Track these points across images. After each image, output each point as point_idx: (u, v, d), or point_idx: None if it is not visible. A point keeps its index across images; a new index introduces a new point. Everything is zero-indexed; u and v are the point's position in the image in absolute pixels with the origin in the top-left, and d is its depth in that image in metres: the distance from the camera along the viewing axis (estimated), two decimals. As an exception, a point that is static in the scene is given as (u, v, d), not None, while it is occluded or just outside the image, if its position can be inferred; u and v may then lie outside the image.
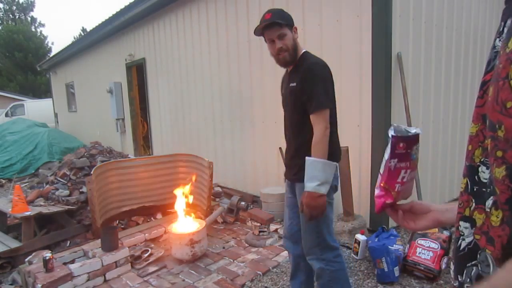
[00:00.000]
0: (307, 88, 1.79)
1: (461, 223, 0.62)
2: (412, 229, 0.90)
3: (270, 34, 1.83)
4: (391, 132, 0.91)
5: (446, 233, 2.69)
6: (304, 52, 1.91)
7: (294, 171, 1.93)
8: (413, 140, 0.96)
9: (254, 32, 1.89)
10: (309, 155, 1.78)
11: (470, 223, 0.60)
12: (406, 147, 0.94)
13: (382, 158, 0.93)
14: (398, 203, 0.90)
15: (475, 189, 0.59)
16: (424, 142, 3.63)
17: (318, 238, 1.87)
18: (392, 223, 3.32)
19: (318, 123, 1.76)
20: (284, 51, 1.83)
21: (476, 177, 0.59)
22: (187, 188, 3.38)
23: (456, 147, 4.13)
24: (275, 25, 1.79)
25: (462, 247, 0.61)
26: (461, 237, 0.62)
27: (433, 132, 3.76)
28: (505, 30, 0.56)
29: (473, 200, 0.59)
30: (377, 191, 0.89)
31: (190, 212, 3.48)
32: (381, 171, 0.91)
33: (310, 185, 1.71)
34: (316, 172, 1.71)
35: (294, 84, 1.85)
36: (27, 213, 3.52)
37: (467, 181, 0.61)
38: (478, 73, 4.33)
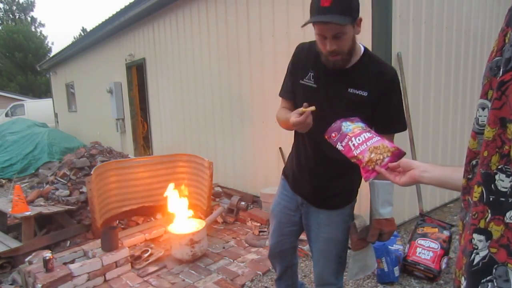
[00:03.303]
0: (391, 105, 1.46)
1: (475, 235, 0.57)
2: (396, 183, 1.01)
3: (322, 30, 1.33)
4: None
5: (446, 233, 2.69)
6: (365, 49, 1.48)
7: (322, 194, 1.64)
8: (336, 127, 1.26)
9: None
10: (347, 175, 1.59)
11: (485, 236, 0.56)
12: (337, 133, 1.24)
13: None
14: (383, 163, 1.06)
15: (491, 199, 0.55)
16: (424, 142, 3.63)
17: (338, 264, 1.71)
18: (392, 223, 3.32)
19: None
20: (336, 55, 1.37)
21: (492, 185, 0.55)
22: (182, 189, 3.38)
23: (456, 147, 4.13)
24: (340, 23, 1.30)
25: (475, 261, 0.57)
26: (475, 251, 0.57)
27: (433, 132, 3.76)
28: None
29: (489, 211, 0.55)
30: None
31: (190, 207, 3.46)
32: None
33: (387, 211, 1.52)
34: (388, 195, 1.52)
35: (364, 93, 1.42)
36: (27, 213, 3.52)
37: (482, 190, 0.56)
38: (478, 73, 4.33)
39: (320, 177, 1.61)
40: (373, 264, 1.71)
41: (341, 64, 1.42)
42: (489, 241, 0.55)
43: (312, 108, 1.35)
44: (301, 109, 1.37)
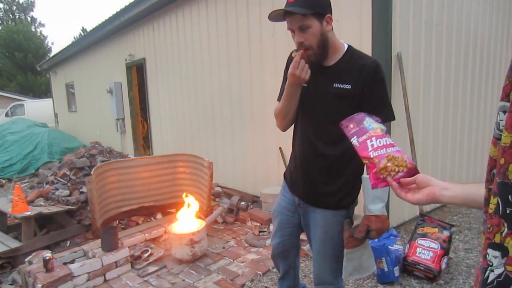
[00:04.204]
0: (374, 95, 1.47)
1: (490, 250, 0.53)
2: (408, 200, 0.91)
3: (289, 22, 1.46)
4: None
5: (446, 233, 2.69)
6: (349, 46, 1.57)
7: (317, 192, 1.63)
8: (358, 119, 1.15)
9: (268, 17, 1.50)
10: (340, 173, 1.58)
11: (501, 252, 0.52)
12: (356, 125, 1.13)
13: None
14: (396, 176, 0.97)
15: (508, 211, 0.51)
16: (424, 142, 3.63)
17: (336, 264, 1.69)
18: (392, 223, 3.32)
19: None
20: (307, 49, 1.47)
21: (509, 196, 0.51)
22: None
23: (456, 148, 4.13)
24: (295, 13, 1.41)
25: (490, 279, 0.53)
26: (489, 268, 0.53)
27: (433, 132, 3.76)
28: None
29: (505, 224, 0.51)
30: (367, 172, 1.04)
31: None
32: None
33: (377, 207, 1.48)
34: (379, 192, 1.47)
35: (348, 86, 1.48)
36: (27, 213, 3.52)
37: (498, 201, 0.52)
38: (479, 73, 4.33)
39: (312, 174, 1.64)
40: (370, 266, 1.66)
41: (314, 59, 1.49)
42: (505, 258, 0.51)
43: (301, 51, 1.46)
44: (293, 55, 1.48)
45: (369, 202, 1.50)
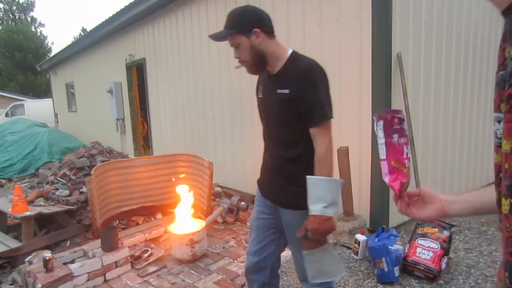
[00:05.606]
0: (306, 96, 1.51)
1: None
2: (415, 217, 0.90)
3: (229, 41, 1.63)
4: (385, 114, 0.99)
5: (446, 233, 2.69)
6: (293, 52, 1.62)
7: (282, 193, 1.68)
8: (402, 116, 1.03)
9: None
10: (300, 174, 1.57)
11: None
12: (399, 122, 0.99)
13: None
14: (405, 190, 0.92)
15: None
16: (424, 142, 3.63)
17: None
18: (392, 223, 3.33)
19: (323, 136, 1.54)
20: (243, 62, 1.62)
21: None
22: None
23: (456, 147, 4.13)
24: (221, 35, 1.59)
25: None
26: None
27: (433, 132, 3.76)
28: None
29: None
30: (388, 177, 0.92)
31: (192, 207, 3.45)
32: (383, 156, 0.95)
33: (316, 207, 1.48)
34: (321, 192, 1.49)
35: (287, 90, 1.54)
36: (27, 213, 3.52)
37: (510, 202, 0.57)
38: (478, 73, 4.33)
39: (273, 176, 1.72)
40: (334, 272, 1.58)
41: (249, 71, 1.66)
42: None
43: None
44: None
45: (310, 202, 1.50)
